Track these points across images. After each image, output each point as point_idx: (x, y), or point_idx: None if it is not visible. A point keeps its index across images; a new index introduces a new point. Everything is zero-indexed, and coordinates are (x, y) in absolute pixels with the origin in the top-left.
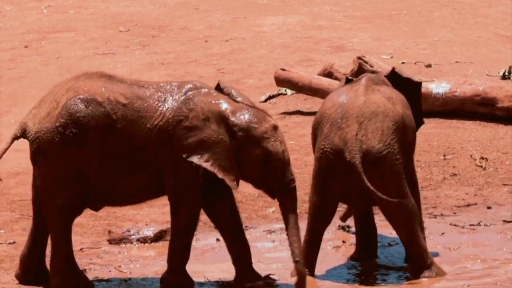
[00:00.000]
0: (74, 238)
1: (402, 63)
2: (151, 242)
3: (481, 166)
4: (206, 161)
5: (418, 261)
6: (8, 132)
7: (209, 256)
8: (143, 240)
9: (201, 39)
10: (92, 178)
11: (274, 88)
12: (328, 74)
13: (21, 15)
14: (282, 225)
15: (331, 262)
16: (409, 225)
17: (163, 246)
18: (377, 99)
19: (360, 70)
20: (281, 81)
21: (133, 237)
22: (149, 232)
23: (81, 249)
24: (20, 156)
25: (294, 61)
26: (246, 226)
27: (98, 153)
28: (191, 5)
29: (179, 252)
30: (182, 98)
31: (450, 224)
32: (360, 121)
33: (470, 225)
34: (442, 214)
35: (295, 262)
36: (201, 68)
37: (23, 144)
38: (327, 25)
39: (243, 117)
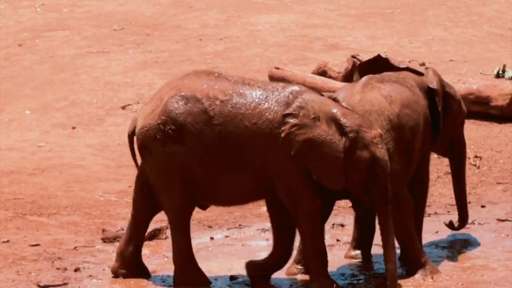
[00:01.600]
0: (68, 236)
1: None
2: (145, 240)
3: (475, 165)
4: (311, 161)
5: (412, 259)
6: (2, 130)
7: (203, 254)
8: None
9: (195, 37)
10: (195, 175)
11: None
12: (322, 72)
13: (15, 14)
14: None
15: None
16: (403, 224)
17: (157, 245)
18: (372, 98)
19: (354, 69)
20: (275, 80)
21: None
22: None
23: (75, 247)
24: (14, 155)
25: (288, 60)
26: (240, 225)
27: (197, 150)
28: (185, 4)
29: (315, 257)
30: (285, 98)
31: (444, 223)
32: None
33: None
34: (436, 213)
35: (388, 279)
36: (195, 67)
37: (17, 143)
38: (321, 24)
39: (354, 120)
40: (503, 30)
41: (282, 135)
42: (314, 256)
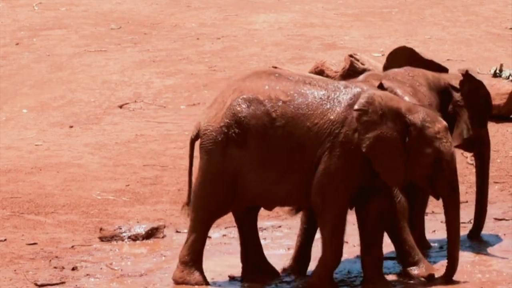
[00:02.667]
0: (65, 235)
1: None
2: (143, 239)
3: (472, 164)
4: (377, 157)
5: (406, 258)
6: None
7: None
8: (135, 238)
9: (193, 36)
10: (250, 179)
11: None
12: (320, 72)
13: (13, 12)
14: (274, 223)
15: None
16: (396, 223)
17: (155, 244)
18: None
19: (351, 68)
20: None
21: (124, 234)
22: (141, 229)
23: (72, 246)
24: (11, 154)
25: (286, 59)
26: None
27: (260, 152)
28: (183, 3)
29: (330, 254)
30: (348, 99)
31: (441, 222)
32: None
33: (462, 222)
34: (433, 212)
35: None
36: (192, 66)
37: (14, 142)
38: (318, 23)
39: (417, 116)
40: (500, 30)
41: (353, 131)
42: (332, 253)
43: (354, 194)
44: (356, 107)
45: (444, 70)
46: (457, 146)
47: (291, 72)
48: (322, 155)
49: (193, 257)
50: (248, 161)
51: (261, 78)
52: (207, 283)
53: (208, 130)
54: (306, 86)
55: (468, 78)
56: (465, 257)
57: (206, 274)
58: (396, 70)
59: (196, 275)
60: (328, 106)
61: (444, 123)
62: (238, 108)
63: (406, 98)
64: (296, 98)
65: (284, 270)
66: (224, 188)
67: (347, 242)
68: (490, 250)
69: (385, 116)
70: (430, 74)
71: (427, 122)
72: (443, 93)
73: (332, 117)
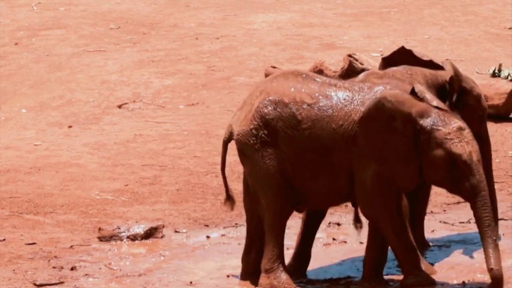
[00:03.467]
0: (64, 235)
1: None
2: (141, 239)
3: None
4: (383, 163)
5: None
6: None
7: (199, 253)
8: (133, 238)
9: (192, 36)
10: (291, 179)
11: None
12: (319, 71)
13: (12, 12)
14: None
15: (322, 260)
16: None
17: (153, 244)
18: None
19: (350, 68)
20: None
21: (123, 234)
22: (139, 229)
23: (71, 246)
24: (10, 153)
25: (285, 59)
26: (236, 224)
27: (290, 154)
28: (182, 3)
29: (405, 253)
30: (370, 99)
31: (440, 222)
32: None
33: (460, 222)
34: (432, 212)
35: (490, 270)
36: (191, 66)
37: (13, 142)
38: (317, 23)
39: (428, 120)
40: (499, 30)
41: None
42: (404, 252)
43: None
44: (363, 110)
45: (440, 68)
46: None
47: (318, 74)
48: (349, 156)
49: (275, 261)
50: (282, 161)
51: (288, 79)
52: (295, 285)
53: (241, 134)
54: (331, 88)
55: (454, 82)
56: (464, 257)
57: (206, 274)
58: (394, 68)
59: (284, 278)
60: (351, 107)
61: (458, 123)
62: (265, 111)
63: (435, 103)
64: (321, 100)
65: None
66: (278, 187)
67: (345, 242)
68: None
69: (395, 120)
70: (427, 71)
71: (437, 125)
72: (441, 91)
73: (356, 118)
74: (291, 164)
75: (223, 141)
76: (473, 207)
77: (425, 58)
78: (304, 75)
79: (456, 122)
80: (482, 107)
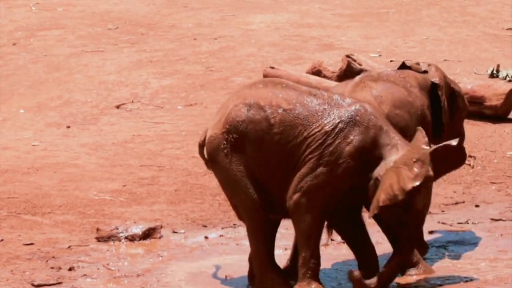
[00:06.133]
0: (62, 235)
1: (391, 61)
2: (140, 239)
3: (469, 164)
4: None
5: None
6: None
7: (197, 253)
8: (131, 238)
9: (190, 37)
10: (262, 185)
11: None
12: (317, 72)
13: (10, 13)
14: None
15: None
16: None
17: (152, 244)
18: (361, 97)
19: (348, 68)
20: None
21: (121, 234)
22: (138, 229)
23: (69, 246)
24: (8, 154)
25: (283, 59)
26: (234, 224)
27: (257, 158)
28: (180, 3)
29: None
30: (348, 117)
31: (438, 222)
32: None
33: (458, 223)
34: (430, 212)
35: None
36: (189, 66)
37: (11, 142)
38: (315, 23)
39: (400, 158)
40: (497, 30)
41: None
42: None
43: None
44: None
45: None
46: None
47: (299, 84)
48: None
49: (264, 263)
50: (250, 167)
51: (267, 86)
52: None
53: (212, 138)
54: (309, 97)
55: (441, 88)
56: (463, 257)
57: (205, 274)
58: (388, 72)
59: (277, 281)
60: (327, 120)
61: (424, 173)
62: (237, 113)
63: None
64: (297, 108)
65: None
66: (247, 193)
67: (344, 243)
68: (487, 250)
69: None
70: (418, 75)
71: (407, 165)
72: (431, 93)
73: (328, 129)
74: (258, 169)
75: (198, 144)
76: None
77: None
78: (284, 84)
79: (423, 168)
80: (467, 107)
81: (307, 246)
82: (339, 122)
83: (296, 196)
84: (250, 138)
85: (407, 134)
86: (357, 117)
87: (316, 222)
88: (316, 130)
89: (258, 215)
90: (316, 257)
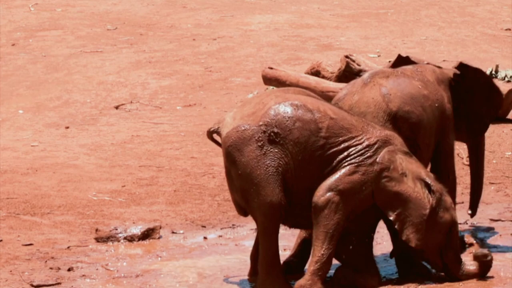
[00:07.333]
0: (61, 236)
1: (390, 62)
2: (138, 240)
3: (468, 165)
4: (394, 213)
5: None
6: None
7: (196, 254)
8: (130, 238)
9: (189, 37)
10: (288, 183)
11: (261, 86)
12: (316, 72)
13: (9, 13)
14: None
15: None
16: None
17: (150, 245)
18: (369, 98)
19: (347, 69)
20: (268, 80)
21: (120, 235)
22: (137, 230)
23: (68, 247)
24: (7, 154)
25: (282, 60)
26: (233, 225)
27: (295, 157)
28: (179, 4)
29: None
30: (375, 142)
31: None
32: None
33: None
34: None
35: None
36: (188, 67)
37: (10, 142)
38: (314, 24)
39: (437, 182)
40: (496, 31)
41: (374, 181)
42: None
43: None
44: (378, 160)
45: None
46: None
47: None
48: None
49: (271, 264)
50: (287, 163)
51: (300, 92)
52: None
53: (242, 128)
54: (344, 112)
55: (463, 69)
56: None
57: (204, 274)
58: (404, 66)
59: (280, 282)
60: (361, 138)
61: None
62: (283, 110)
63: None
64: (340, 119)
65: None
66: (275, 187)
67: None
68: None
69: (406, 176)
70: (436, 69)
71: (444, 191)
72: (450, 87)
73: (361, 148)
74: (295, 167)
75: (208, 132)
76: (453, 273)
77: (424, 63)
78: (314, 95)
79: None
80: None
81: (328, 244)
82: (378, 140)
83: (329, 194)
84: (294, 135)
85: (420, 129)
86: (391, 140)
87: (341, 223)
88: (357, 142)
89: (278, 214)
90: (331, 258)
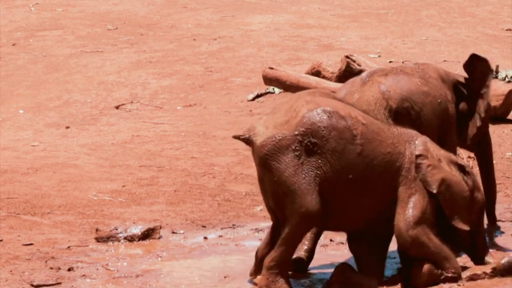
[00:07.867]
0: (61, 236)
1: (390, 62)
2: (139, 240)
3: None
4: (445, 199)
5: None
6: None
7: (196, 254)
8: (131, 238)
9: (189, 37)
10: (324, 191)
11: (262, 86)
12: (316, 73)
13: (9, 13)
14: (269, 223)
15: (319, 261)
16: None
17: (151, 245)
18: (369, 96)
19: (347, 69)
20: (269, 80)
21: (120, 235)
22: (137, 230)
23: (68, 247)
24: (8, 154)
25: (282, 60)
26: (233, 225)
27: (333, 165)
28: (180, 3)
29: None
30: (406, 138)
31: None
32: None
33: None
34: None
35: None
36: (189, 67)
37: (11, 142)
38: (315, 24)
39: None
40: (496, 31)
41: (419, 174)
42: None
43: None
44: (417, 152)
45: None
46: (462, 146)
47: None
48: (388, 183)
49: (281, 265)
50: (324, 171)
51: (328, 96)
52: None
53: (278, 138)
54: (373, 117)
55: (475, 60)
56: (461, 258)
57: (204, 274)
58: (404, 64)
59: (282, 284)
60: (396, 140)
61: None
62: (318, 118)
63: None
64: (372, 124)
65: None
66: (315, 193)
67: (342, 243)
68: None
69: (441, 161)
70: (440, 68)
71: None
72: (455, 88)
73: (401, 150)
74: (333, 175)
75: (240, 135)
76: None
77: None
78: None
79: None
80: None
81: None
82: (406, 142)
83: (415, 231)
84: (331, 144)
85: (421, 125)
86: (411, 133)
87: (437, 239)
88: (389, 149)
89: (311, 223)
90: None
